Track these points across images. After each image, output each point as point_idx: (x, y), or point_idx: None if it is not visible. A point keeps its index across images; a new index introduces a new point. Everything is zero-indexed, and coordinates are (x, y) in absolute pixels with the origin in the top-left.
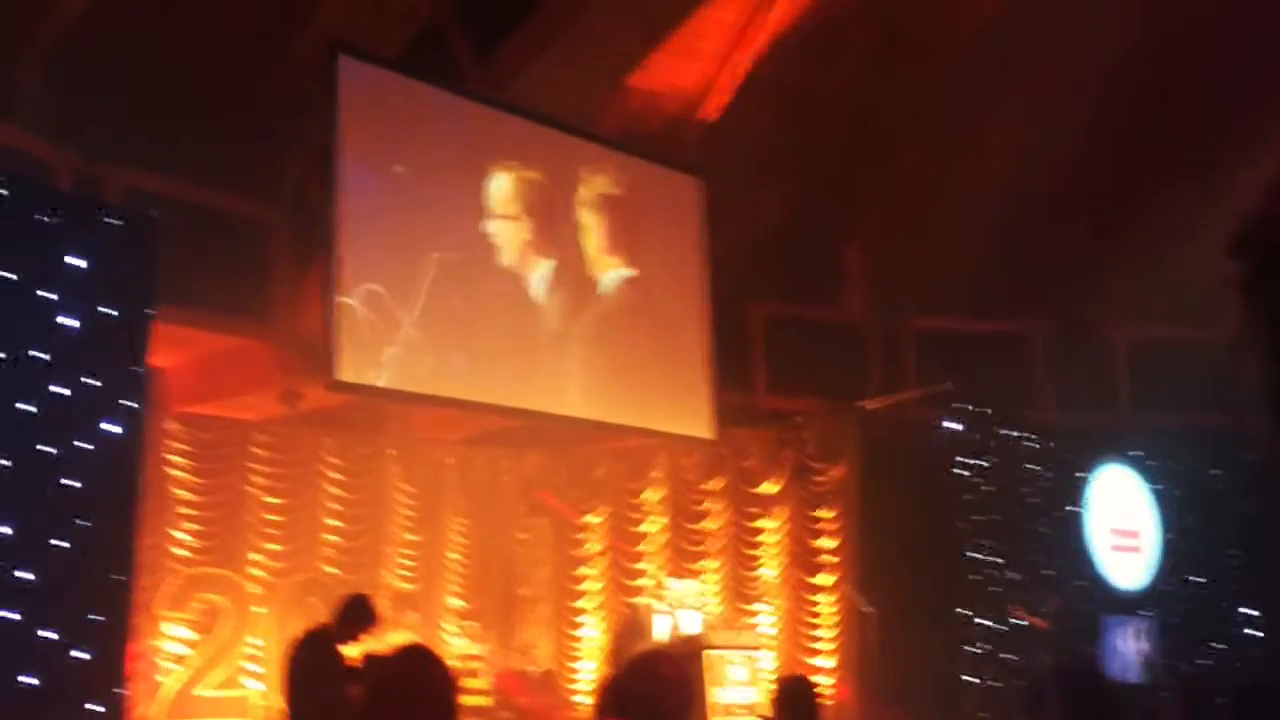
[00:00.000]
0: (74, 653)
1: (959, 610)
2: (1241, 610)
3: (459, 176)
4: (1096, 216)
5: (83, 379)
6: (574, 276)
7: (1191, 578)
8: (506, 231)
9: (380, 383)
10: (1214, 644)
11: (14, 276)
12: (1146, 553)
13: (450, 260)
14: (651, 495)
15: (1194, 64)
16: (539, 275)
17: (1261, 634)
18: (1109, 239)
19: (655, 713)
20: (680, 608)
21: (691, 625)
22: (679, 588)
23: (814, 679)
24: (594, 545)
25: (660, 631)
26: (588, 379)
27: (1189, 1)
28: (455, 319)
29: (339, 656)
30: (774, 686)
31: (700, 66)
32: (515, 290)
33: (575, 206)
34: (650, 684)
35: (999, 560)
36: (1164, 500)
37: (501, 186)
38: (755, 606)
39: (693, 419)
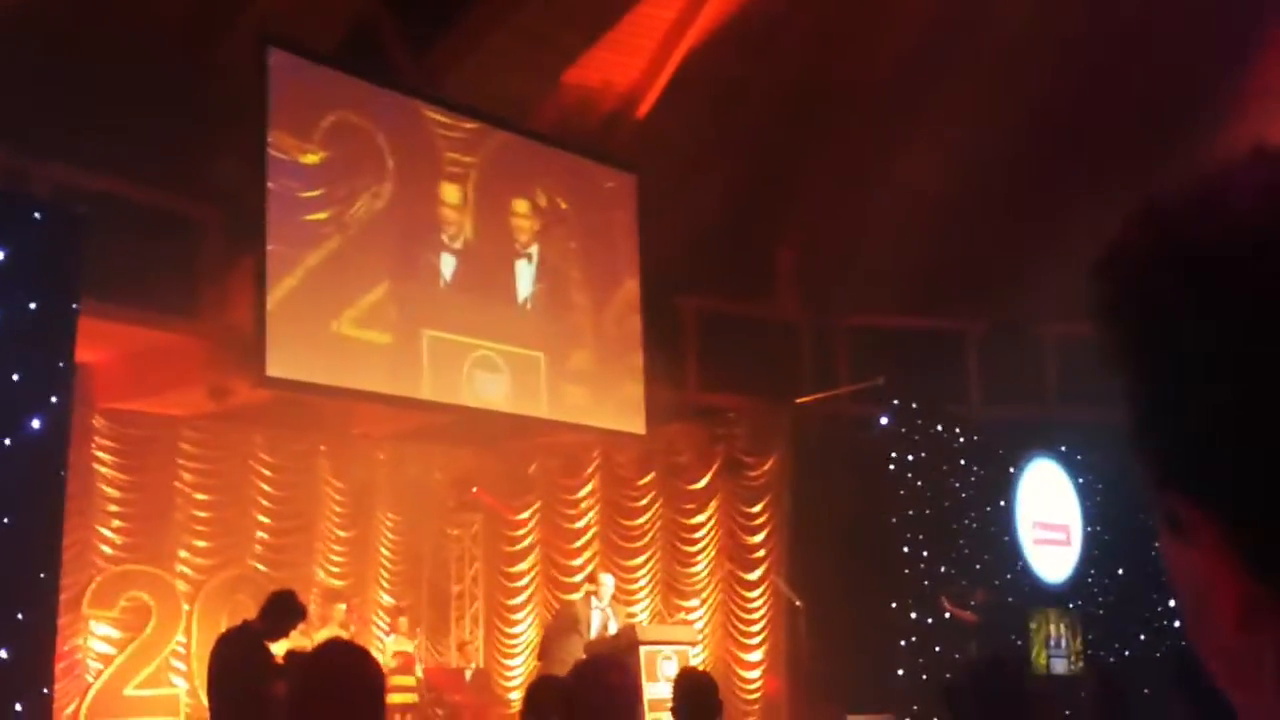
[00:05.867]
0: None
1: (889, 604)
2: (1164, 602)
3: (393, 172)
4: (1027, 213)
5: (6, 374)
6: (509, 272)
7: (1116, 570)
8: (443, 229)
9: (313, 379)
10: (1138, 634)
11: None
12: (1073, 546)
13: (387, 257)
14: (584, 491)
15: (1127, 65)
16: (475, 271)
17: (1181, 624)
18: (1039, 236)
19: (603, 719)
20: (612, 603)
21: (623, 621)
22: (610, 583)
23: (743, 673)
24: (527, 541)
25: (593, 627)
26: (521, 374)
27: (1123, 3)
28: (388, 314)
29: (265, 653)
30: (674, 681)
31: (636, 63)
32: (451, 287)
33: (510, 202)
34: (598, 691)
35: (928, 554)
36: (1090, 494)
37: (436, 187)
38: (689, 602)
39: (626, 415)
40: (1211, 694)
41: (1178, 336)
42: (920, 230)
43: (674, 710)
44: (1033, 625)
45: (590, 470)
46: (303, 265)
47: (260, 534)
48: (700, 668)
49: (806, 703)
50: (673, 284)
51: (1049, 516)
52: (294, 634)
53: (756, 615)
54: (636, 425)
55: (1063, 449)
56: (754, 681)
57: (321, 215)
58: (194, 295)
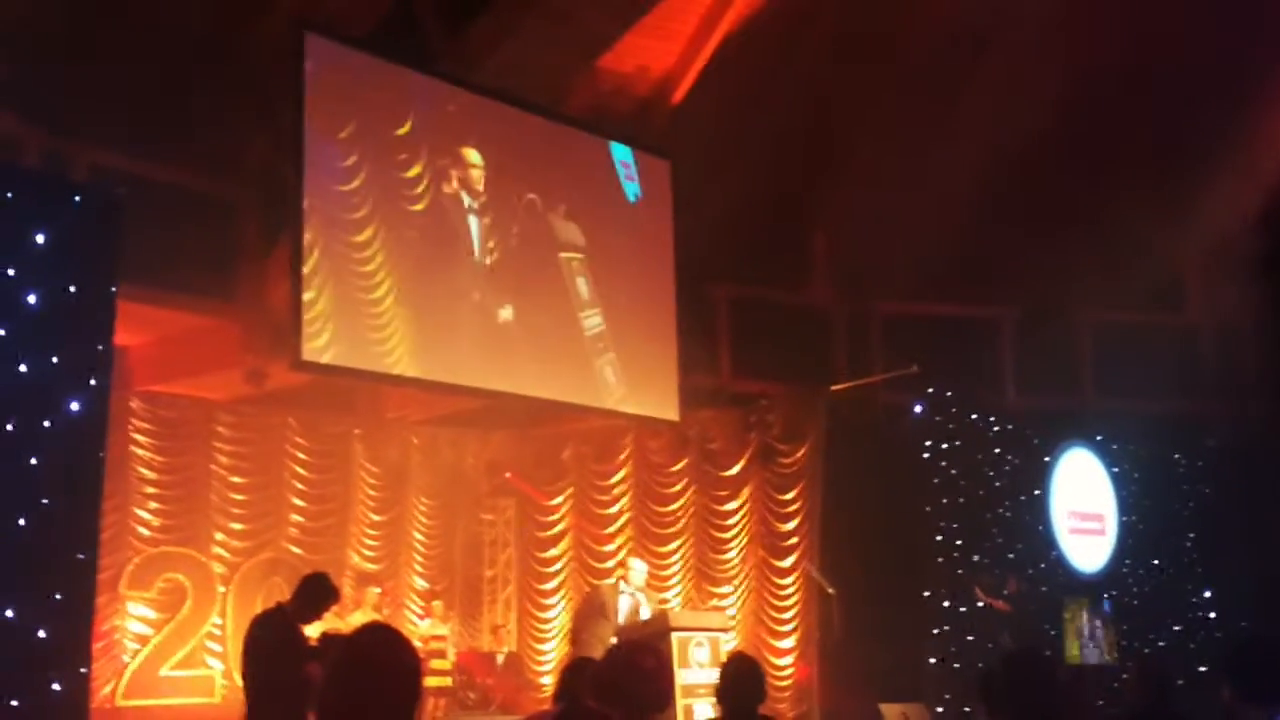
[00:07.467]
0: (36, 632)
1: (922, 592)
2: (1199, 593)
3: (428, 157)
4: (1062, 202)
5: (45, 357)
6: (541, 259)
7: (1151, 561)
8: (475, 217)
9: (348, 364)
10: (1172, 625)
11: None
12: (1107, 536)
13: (424, 243)
14: (617, 477)
15: (1162, 52)
16: (507, 259)
17: (1216, 615)
18: (1075, 224)
19: (635, 704)
20: (643, 589)
21: (656, 607)
22: (641, 569)
23: (775, 660)
24: (560, 527)
25: (621, 612)
26: (554, 360)
27: None
28: (424, 300)
29: (299, 635)
30: (722, 665)
31: (671, 49)
32: (484, 272)
33: (545, 190)
34: (631, 675)
35: (962, 542)
36: (1125, 484)
37: (469, 174)
38: (720, 589)
39: (659, 401)
40: (1262, 680)
41: None
42: (955, 217)
43: (719, 692)
44: (1066, 615)
45: (623, 456)
46: (339, 250)
47: (295, 517)
48: (745, 653)
49: (838, 690)
50: (707, 270)
51: (1083, 506)
52: (327, 616)
53: (789, 602)
54: (670, 412)
55: (1098, 438)
56: (786, 668)
57: (358, 200)
58: (231, 279)
